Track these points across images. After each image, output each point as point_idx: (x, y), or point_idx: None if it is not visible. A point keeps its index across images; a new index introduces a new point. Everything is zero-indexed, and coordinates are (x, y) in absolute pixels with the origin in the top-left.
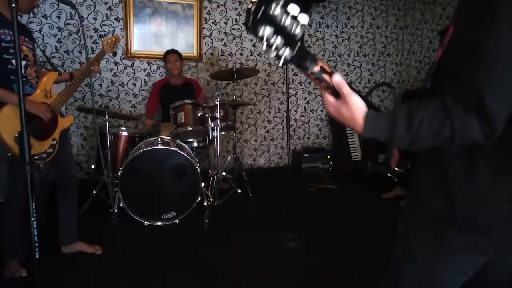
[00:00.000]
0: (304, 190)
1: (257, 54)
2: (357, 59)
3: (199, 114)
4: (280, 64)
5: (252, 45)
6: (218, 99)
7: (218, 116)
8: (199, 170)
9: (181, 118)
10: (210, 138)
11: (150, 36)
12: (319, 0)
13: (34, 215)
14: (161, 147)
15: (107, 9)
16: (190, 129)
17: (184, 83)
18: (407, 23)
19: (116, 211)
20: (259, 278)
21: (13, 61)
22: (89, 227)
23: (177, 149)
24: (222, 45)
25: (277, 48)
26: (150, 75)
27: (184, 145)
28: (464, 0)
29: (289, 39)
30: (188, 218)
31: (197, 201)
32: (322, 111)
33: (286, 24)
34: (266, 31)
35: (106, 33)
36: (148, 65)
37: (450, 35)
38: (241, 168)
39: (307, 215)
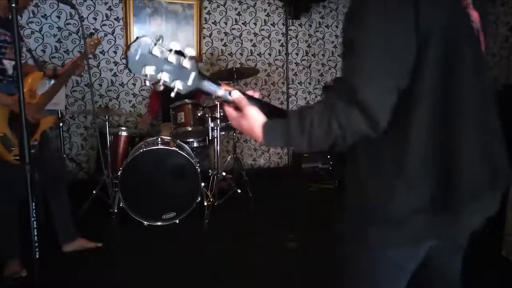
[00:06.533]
0: (304, 190)
1: (257, 54)
2: None
3: (199, 114)
4: (173, 95)
5: (252, 45)
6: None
7: (218, 116)
8: (199, 170)
9: (181, 118)
10: (210, 138)
11: (150, 36)
12: (319, 0)
13: (34, 215)
14: (161, 147)
15: (107, 9)
16: (190, 129)
17: None
18: None
19: (116, 211)
20: (259, 278)
21: (4, 61)
22: (89, 227)
23: (177, 149)
24: (222, 45)
25: (166, 84)
26: None
27: (184, 145)
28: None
29: (178, 73)
30: (188, 218)
31: (197, 201)
32: None
33: (170, 59)
34: (148, 70)
35: (106, 33)
36: None
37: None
38: (241, 168)
39: (307, 215)
